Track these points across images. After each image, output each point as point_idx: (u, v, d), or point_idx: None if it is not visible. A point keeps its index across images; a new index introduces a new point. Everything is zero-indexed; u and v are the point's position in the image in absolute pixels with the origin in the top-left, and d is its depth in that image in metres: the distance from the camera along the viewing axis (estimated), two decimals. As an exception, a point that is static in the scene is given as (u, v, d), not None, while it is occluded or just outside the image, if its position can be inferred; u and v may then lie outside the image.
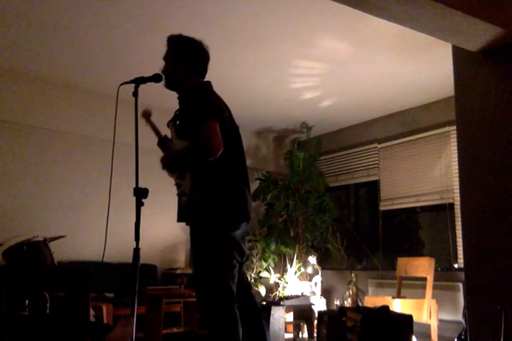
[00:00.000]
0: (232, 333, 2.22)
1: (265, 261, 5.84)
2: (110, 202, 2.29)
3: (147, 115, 2.71)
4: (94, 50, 4.39)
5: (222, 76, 4.79)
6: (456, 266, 4.99)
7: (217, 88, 2.49)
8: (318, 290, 5.55)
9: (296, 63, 4.62)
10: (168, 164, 2.36)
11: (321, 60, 4.52)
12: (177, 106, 2.47)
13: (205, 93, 2.41)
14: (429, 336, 4.42)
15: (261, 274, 5.80)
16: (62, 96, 5.21)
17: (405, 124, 5.77)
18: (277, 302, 4.43)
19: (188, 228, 2.41)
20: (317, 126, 6.38)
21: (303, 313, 4.88)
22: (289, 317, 4.98)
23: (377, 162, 6.04)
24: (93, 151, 5.29)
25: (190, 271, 5.08)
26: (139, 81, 2.22)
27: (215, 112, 2.29)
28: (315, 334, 4.58)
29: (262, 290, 5.71)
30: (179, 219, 2.43)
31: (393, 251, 5.80)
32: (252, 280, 5.68)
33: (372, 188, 6.19)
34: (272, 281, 5.84)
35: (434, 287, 4.61)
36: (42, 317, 1.85)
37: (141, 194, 2.04)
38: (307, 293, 5.41)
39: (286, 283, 5.72)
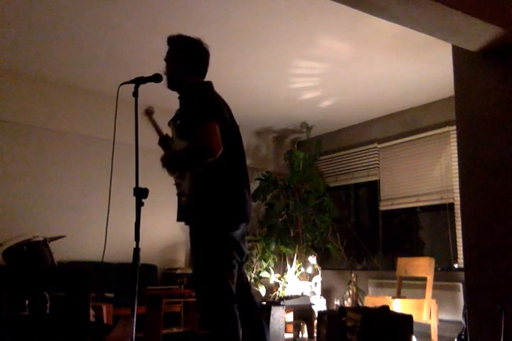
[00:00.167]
0: (232, 333, 2.22)
1: (265, 261, 5.84)
2: (110, 202, 2.29)
3: (150, 113, 2.71)
4: (94, 50, 4.39)
5: (222, 76, 4.78)
6: (456, 266, 4.99)
7: (217, 88, 2.49)
8: (318, 290, 5.55)
9: (296, 63, 4.62)
10: (168, 163, 2.37)
11: (321, 60, 4.52)
12: (178, 106, 2.47)
13: (205, 93, 2.41)
14: (429, 336, 4.42)
15: (261, 274, 5.79)
16: (62, 96, 5.21)
17: (405, 124, 5.77)
18: (277, 302, 4.43)
19: (188, 228, 2.41)
20: (317, 126, 6.37)
21: (303, 313, 4.88)
22: (289, 317, 4.98)
23: (377, 162, 6.04)
24: (93, 151, 5.29)
25: (190, 271, 5.07)
26: (139, 81, 2.22)
27: (214, 112, 2.29)
28: (315, 334, 4.58)
29: (262, 290, 5.71)
30: (179, 219, 2.43)
31: (393, 251, 5.80)
32: (252, 280, 5.68)
33: (372, 188, 6.19)
34: (272, 281, 5.84)
35: (434, 287, 4.61)
36: (42, 317, 1.85)
37: (141, 194, 2.05)
38: (307, 293, 5.41)
39: (286, 283, 5.72)
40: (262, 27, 3.92)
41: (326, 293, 5.90)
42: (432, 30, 2.82)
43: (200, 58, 2.53)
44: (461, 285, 4.71)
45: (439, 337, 4.49)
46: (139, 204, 2.04)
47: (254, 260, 5.86)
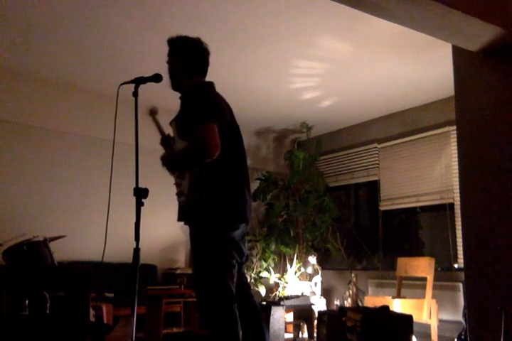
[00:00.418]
0: (232, 333, 2.22)
1: (265, 261, 5.84)
2: (110, 202, 2.29)
3: (153, 113, 2.71)
4: (94, 50, 4.38)
5: (222, 76, 4.78)
6: (456, 266, 4.99)
7: (218, 88, 2.50)
8: (318, 290, 5.55)
9: (296, 63, 4.62)
10: (167, 163, 2.38)
11: (321, 60, 4.52)
12: (178, 106, 2.48)
13: (205, 94, 2.42)
14: (429, 336, 4.42)
15: (261, 274, 5.79)
16: (62, 96, 5.21)
17: (405, 124, 5.77)
18: (277, 302, 4.43)
19: (188, 228, 2.41)
20: (317, 126, 6.37)
21: (303, 313, 4.88)
22: (289, 317, 4.98)
23: (377, 162, 6.04)
24: (93, 151, 5.29)
25: (190, 271, 5.07)
26: (139, 81, 2.23)
27: (213, 113, 2.30)
28: (315, 334, 4.58)
29: (262, 290, 5.71)
30: (179, 219, 2.44)
31: (393, 251, 5.80)
32: (252, 280, 5.68)
33: (372, 188, 6.19)
34: (271, 281, 5.84)
35: (434, 287, 4.61)
36: (42, 317, 1.85)
37: (141, 194, 2.05)
38: (307, 293, 5.41)
39: (286, 283, 5.72)
40: (262, 27, 3.92)
41: (326, 293, 5.90)
42: (432, 30, 2.82)
43: (200, 58, 2.54)
44: (461, 285, 4.71)
45: (439, 337, 4.49)
46: (139, 204, 2.04)
47: (254, 260, 5.86)
